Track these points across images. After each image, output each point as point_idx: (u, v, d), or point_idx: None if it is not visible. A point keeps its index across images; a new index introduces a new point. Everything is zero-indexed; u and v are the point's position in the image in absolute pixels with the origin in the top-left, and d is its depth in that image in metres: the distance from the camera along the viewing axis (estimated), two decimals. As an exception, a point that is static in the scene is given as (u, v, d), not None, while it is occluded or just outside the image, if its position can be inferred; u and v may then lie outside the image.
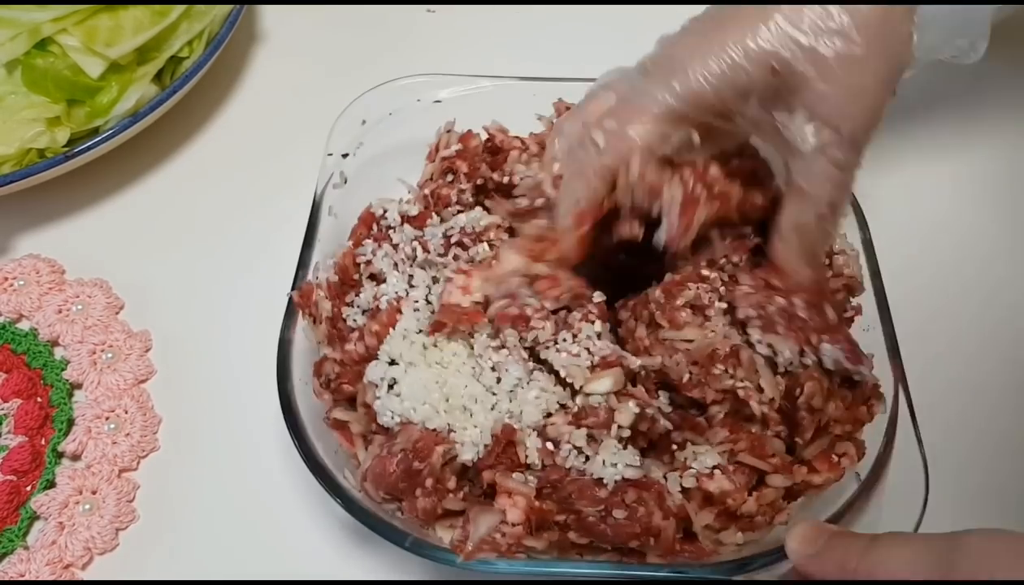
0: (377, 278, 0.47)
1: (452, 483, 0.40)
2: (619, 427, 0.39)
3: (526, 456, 0.40)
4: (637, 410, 0.39)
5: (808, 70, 0.37)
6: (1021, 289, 0.55)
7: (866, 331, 0.44)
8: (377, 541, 0.38)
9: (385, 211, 0.49)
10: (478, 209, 0.49)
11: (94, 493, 0.47)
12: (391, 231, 0.48)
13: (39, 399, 0.51)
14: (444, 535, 0.40)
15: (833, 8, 0.36)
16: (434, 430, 0.40)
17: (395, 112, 0.55)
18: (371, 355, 0.43)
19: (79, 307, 0.54)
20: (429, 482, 0.39)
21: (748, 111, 0.39)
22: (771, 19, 0.37)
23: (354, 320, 0.46)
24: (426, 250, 0.47)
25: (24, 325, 0.55)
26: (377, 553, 0.45)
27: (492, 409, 0.41)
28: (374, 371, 0.42)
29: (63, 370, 0.52)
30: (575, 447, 0.39)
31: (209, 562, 0.46)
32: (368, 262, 0.47)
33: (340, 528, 0.46)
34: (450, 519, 0.40)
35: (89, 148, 0.57)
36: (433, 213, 0.49)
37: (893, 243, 0.49)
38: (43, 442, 0.49)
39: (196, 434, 0.50)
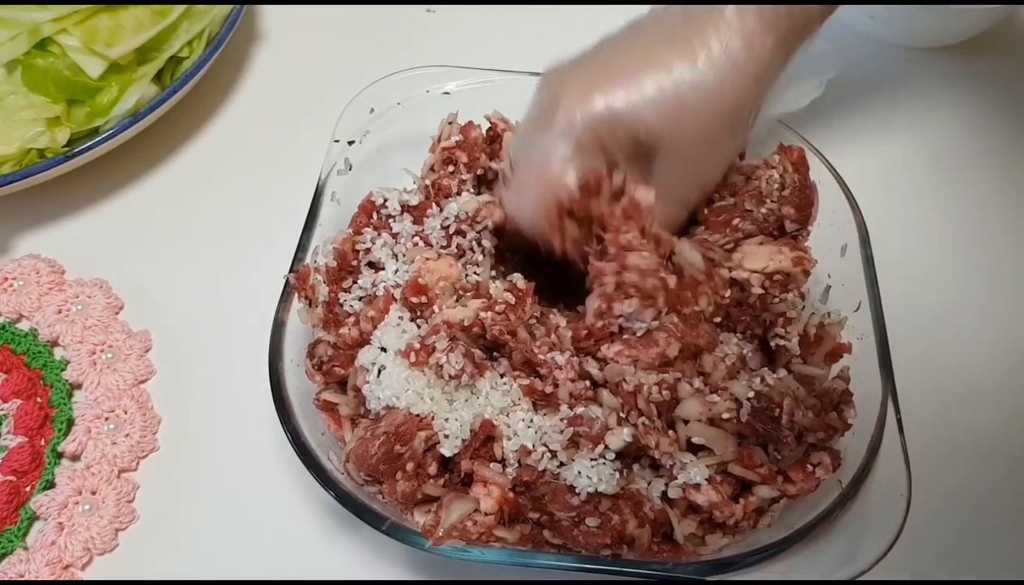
0: (376, 266, 0.48)
1: (433, 469, 0.40)
2: (606, 447, 0.39)
3: (502, 452, 0.40)
4: (629, 439, 0.39)
5: (660, 143, 0.42)
6: (1020, 302, 0.56)
7: (860, 340, 0.44)
8: (363, 524, 0.39)
9: (385, 200, 0.49)
10: (465, 194, 0.49)
11: (94, 493, 0.47)
12: (391, 220, 0.49)
13: (39, 399, 0.51)
14: (423, 520, 0.40)
15: (705, 78, 0.41)
16: (418, 416, 0.41)
17: (403, 102, 0.55)
18: (365, 340, 0.44)
19: (79, 307, 0.55)
20: (410, 466, 0.40)
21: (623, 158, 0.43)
22: (638, 90, 0.41)
23: (351, 305, 0.46)
24: (428, 244, 0.47)
25: (24, 325, 0.55)
26: (367, 537, 0.45)
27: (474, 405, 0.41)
28: (365, 356, 0.43)
29: (63, 370, 0.52)
30: (549, 451, 0.39)
31: (209, 562, 0.46)
32: (367, 250, 0.47)
33: (333, 515, 0.46)
34: (429, 505, 0.41)
35: (89, 148, 0.57)
36: (433, 203, 0.49)
37: (894, 254, 0.50)
38: (43, 442, 0.49)
39: (195, 434, 0.50)
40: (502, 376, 0.42)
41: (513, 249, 0.49)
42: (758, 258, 0.44)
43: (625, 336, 0.42)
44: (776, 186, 0.47)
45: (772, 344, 0.44)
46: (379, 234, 0.48)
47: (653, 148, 0.42)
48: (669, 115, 0.41)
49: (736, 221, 0.46)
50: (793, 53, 0.43)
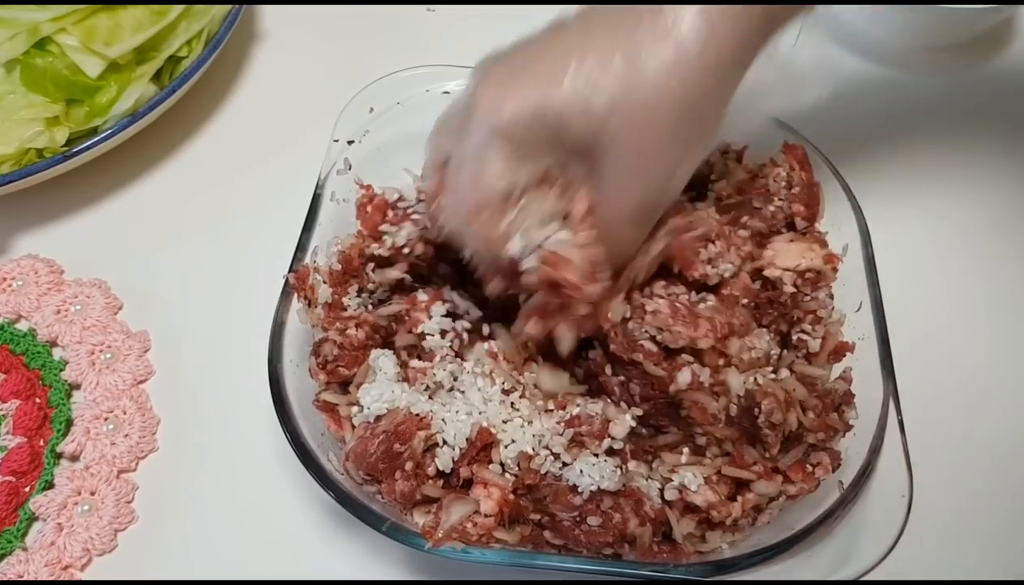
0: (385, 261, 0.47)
1: (432, 470, 0.40)
2: (612, 439, 0.39)
3: (501, 458, 0.40)
4: (633, 423, 0.39)
5: (596, 141, 0.36)
6: (1021, 300, 0.56)
7: (861, 340, 0.44)
8: (362, 524, 0.39)
9: (400, 196, 0.48)
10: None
11: (93, 494, 0.47)
12: (411, 211, 0.47)
13: (38, 400, 0.51)
14: (422, 521, 0.40)
15: (647, 66, 0.35)
16: (418, 415, 0.41)
17: (403, 101, 0.55)
18: (371, 342, 0.44)
19: (78, 307, 0.54)
20: (409, 466, 0.40)
21: (559, 159, 0.38)
22: (568, 72, 0.36)
23: (355, 307, 0.46)
24: None
25: (23, 325, 0.54)
26: (367, 537, 0.45)
27: (470, 414, 0.41)
28: (383, 360, 0.43)
29: (62, 370, 0.52)
30: (552, 454, 0.39)
31: (208, 562, 0.46)
32: (393, 245, 0.46)
33: (333, 515, 0.46)
34: (429, 505, 0.41)
35: (88, 148, 0.57)
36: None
37: (895, 259, 0.50)
38: (42, 443, 0.49)
39: (195, 435, 0.50)
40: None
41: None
42: (790, 256, 0.44)
43: (678, 303, 0.41)
44: (783, 184, 0.47)
45: (794, 338, 0.44)
46: (401, 227, 0.47)
47: (589, 151, 0.37)
48: (607, 112, 0.36)
49: (744, 218, 0.46)
50: (760, 48, 0.37)
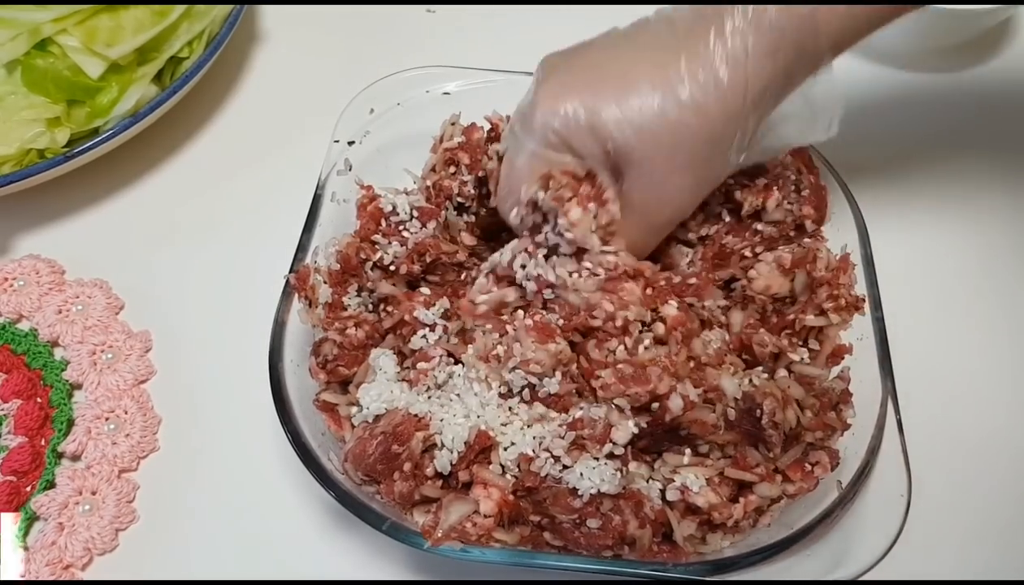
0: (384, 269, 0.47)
1: (431, 470, 0.40)
2: (613, 444, 0.39)
3: (500, 461, 0.40)
4: (635, 431, 0.39)
5: (628, 160, 0.41)
6: (1020, 300, 0.56)
7: (860, 340, 0.44)
8: (363, 524, 0.39)
9: (395, 207, 0.49)
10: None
11: (94, 494, 0.47)
12: (402, 227, 0.48)
13: (39, 400, 0.51)
14: (422, 520, 0.40)
15: (680, 100, 0.39)
16: (416, 416, 0.41)
17: (403, 102, 0.55)
18: (371, 341, 0.44)
19: (79, 307, 0.55)
20: (407, 466, 0.40)
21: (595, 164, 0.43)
22: (612, 101, 0.40)
23: (359, 307, 0.46)
24: None
25: (24, 325, 0.55)
26: (367, 537, 0.46)
27: (468, 417, 0.41)
28: (384, 359, 0.43)
29: (63, 370, 0.52)
30: (552, 456, 0.39)
31: (209, 562, 0.46)
32: (380, 260, 0.47)
33: (333, 515, 0.47)
34: (429, 505, 0.41)
35: (89, 148, 0.57)
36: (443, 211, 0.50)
37: (894, 258, 0.50)
38: (43, 442, 0.49)
39: (195, 434, 0.50)
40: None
41: None
42: (764, 280, 0.45)
43: (619, 365, 0.41)
44: (792, 187, 0.47)
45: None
46: (389, 242, 0.47)
47: (621, 163, 0.41)
48: (637, 134, 0.40)
49: (756, 224, 0.47)
50: (794, 84, 0.41)
